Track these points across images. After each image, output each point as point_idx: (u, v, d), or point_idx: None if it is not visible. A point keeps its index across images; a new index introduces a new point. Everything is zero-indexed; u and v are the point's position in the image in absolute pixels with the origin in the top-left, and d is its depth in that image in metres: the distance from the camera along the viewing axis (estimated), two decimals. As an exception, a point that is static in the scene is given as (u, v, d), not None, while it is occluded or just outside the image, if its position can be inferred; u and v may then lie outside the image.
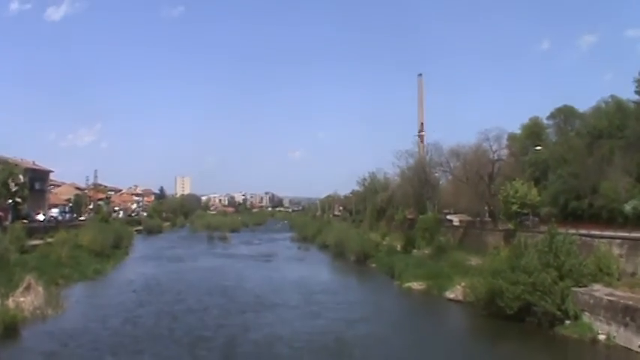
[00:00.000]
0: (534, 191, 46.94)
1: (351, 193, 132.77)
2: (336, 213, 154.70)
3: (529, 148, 59.98)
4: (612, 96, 54.65)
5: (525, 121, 68.19)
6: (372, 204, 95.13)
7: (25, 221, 57.03)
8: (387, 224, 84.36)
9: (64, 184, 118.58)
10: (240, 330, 28.85)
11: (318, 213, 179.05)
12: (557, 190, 48.42)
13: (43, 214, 73.00)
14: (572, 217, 44.71)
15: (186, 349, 25.01)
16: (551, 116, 66.78)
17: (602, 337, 25.05)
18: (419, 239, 60.41)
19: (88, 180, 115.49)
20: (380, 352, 25.36)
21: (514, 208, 46.61)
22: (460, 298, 36.65)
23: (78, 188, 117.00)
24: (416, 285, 43.54)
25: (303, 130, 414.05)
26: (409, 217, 76.03)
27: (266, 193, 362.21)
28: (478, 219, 61.79)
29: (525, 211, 47.31)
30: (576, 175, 46.63)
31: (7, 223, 53.05)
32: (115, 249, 65.90)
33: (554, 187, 49.39)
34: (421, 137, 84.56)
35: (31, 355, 23.43)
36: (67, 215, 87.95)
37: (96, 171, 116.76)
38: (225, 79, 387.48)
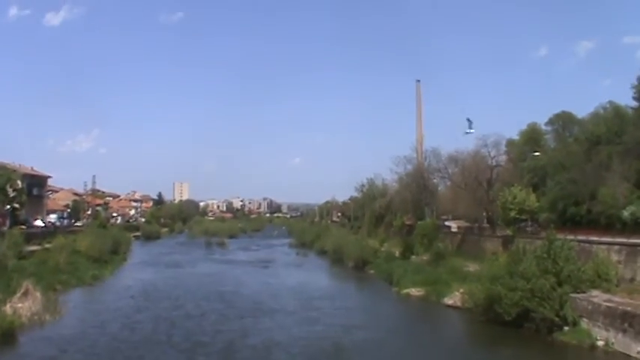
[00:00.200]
0: (533, 197, 46.98)
1: (349, 199, 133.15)
2: (335, 219, 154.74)
3: (527, 154, 60.04)
4: (610, 102, 54.87)
5: (524, 127, 68.38)
6: (370, 210, 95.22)
7: (23, 227, 57.03)
8: (386, 230, 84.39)
9: (62, 189, 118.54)
10: (238, 335, 28.80)
11: (317, 219, 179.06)
12: (556, 196, 48.45)
13: (41, 220, 72.95)
14: (570, 223, 44.69)
15: (184, 354, 24.98)
16: (550, 122, 66.92)
17: (600, 343, 25.02)
18: (417, 245, 60.37)
19: (86, 186, 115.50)
20: (378, 358, 25.33)
21: (512, 214, 46.61)
22: (458, 304, 36.62)
23: (76, 194, 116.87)
24: (414, 291, 43.44)
25: (302, 136, 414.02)
26: (407, 223, 75.98)
27: (264, 199, 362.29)
28: (476, 225, 61.77)
29: (524, 217, 47.34)
30: (575, 181, 46.67)
31: (5, 228, 53.03)
32: (113, 255, 65.80)
33: (552, 193, 49.42)
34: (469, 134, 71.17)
35: (29, 361, 23.34)
36: (65, 221, 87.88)
37: (94, 177, 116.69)
38: (224, 84, 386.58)
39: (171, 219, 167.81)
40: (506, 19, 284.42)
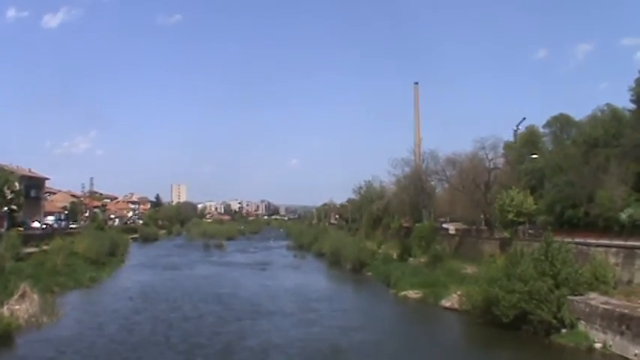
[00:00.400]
0: (530, 200, 46.99)
1: (347, 201, 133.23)
2: (332, 221, 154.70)
3: (525, 157, 60.08)
4: (608, 104, 54.78)
5: (521, 129, 68.36)
6: (367, 212, 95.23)
7: (20, 229, 56.91)
8: (383, 232, 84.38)
9: (59, 191, 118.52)
10: (236, 337, 28.78)
11: (314, 221, 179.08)
12: (553, 198, 48.46)
13: (39, 222, 72.85)
14: (568, 225, 44.72)
15: (182, 356, 24.97)
16: (547, 125, 66.97)
17: (598, 345, 25.01)
18: (415, 247, 60.39)
19: (83, 187, 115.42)
20: (375, 360, 25.34)
21: (510, 216, 46.61)
22: (456, 306, 36.56)
23: (74, 196, 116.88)
24: (412, 293, 43.42)
25: (300, 139, 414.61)
26: (405, 225, 76.03)
27: (262, 201, 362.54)
28: (474, 227, 61.80)
29: (522, 219, 47.38)
30: (572, 184, 46.70)
31: (3, 230, 52.98)
32: (111, 257, 65.78)
33: (550, 196, 49.44)
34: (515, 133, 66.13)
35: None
36: (63, 223, 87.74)
37: (92, 178, 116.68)
38: (222, 87, 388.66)
39: (169, 221, 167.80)
40: (504, 22, 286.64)
